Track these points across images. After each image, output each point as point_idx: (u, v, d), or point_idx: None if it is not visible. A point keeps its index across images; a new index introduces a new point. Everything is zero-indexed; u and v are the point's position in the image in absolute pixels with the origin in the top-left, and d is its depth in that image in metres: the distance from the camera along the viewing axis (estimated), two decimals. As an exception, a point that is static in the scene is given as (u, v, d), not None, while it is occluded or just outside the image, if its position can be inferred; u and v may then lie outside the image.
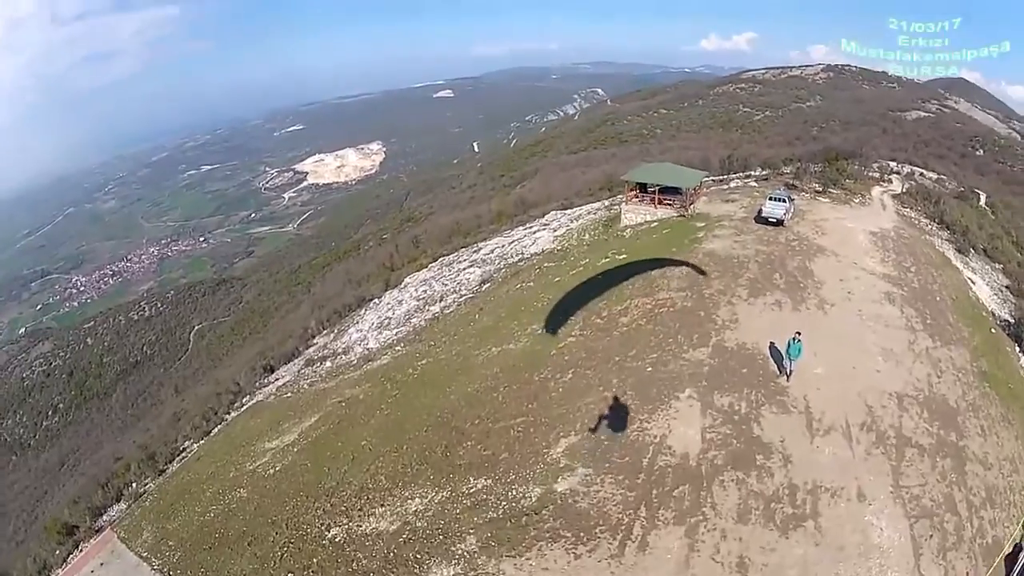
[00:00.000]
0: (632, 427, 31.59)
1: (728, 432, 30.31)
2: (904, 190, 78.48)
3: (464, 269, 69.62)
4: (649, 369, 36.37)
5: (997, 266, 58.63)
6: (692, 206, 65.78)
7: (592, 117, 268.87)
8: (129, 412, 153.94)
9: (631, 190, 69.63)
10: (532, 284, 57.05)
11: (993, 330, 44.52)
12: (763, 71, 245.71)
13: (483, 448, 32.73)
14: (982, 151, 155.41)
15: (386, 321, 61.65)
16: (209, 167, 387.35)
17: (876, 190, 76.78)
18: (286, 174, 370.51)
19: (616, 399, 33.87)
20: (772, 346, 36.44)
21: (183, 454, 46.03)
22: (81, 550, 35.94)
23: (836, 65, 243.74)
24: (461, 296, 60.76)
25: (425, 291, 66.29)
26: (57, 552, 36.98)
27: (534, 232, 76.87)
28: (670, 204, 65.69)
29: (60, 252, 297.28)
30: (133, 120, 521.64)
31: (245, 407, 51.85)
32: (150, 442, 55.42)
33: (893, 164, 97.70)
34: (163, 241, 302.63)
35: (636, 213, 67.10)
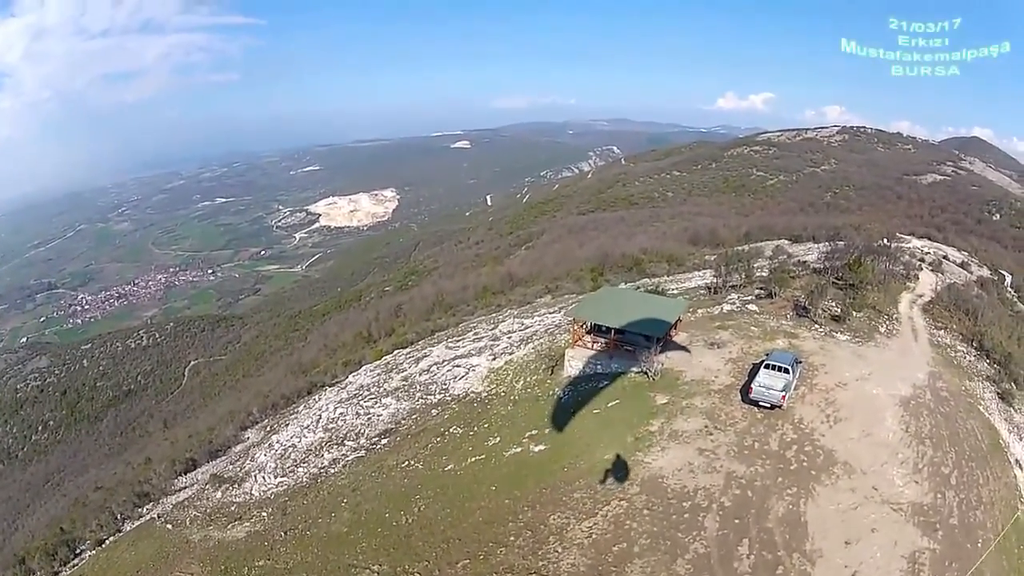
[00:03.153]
0: None
1: None
2: (935, 291, 64.77)
3: (382, 398, 57.93)
4: None
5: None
6: (658, 362, 46.43)
7: (604, 177, 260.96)
8: (117, 440, 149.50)
9: (578, 327, 52.64)
10: (418, 467, 43.73)
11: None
12: (779, 133, 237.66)
13: None
14: (998, 215, 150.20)
15: (286, 454, 52.97)
16: (223, 200, 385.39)
17: (904, 302, 60.57)
18: (299, 214, 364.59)
19: None
20: None
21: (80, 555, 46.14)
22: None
23: (851, 127, 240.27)
24: (356, 448, 50.25)
25: (337, 420, 56.29)
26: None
27: (477, 351, 63.01)
28: (631, 352, 47.90)
29: (68, 268, 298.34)
30: (152, 143, 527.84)
31: (127, 529, 48.32)
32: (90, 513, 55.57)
33: (915, 243, 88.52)
34: (171, 269, 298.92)
35: (583, 362, 49.75)
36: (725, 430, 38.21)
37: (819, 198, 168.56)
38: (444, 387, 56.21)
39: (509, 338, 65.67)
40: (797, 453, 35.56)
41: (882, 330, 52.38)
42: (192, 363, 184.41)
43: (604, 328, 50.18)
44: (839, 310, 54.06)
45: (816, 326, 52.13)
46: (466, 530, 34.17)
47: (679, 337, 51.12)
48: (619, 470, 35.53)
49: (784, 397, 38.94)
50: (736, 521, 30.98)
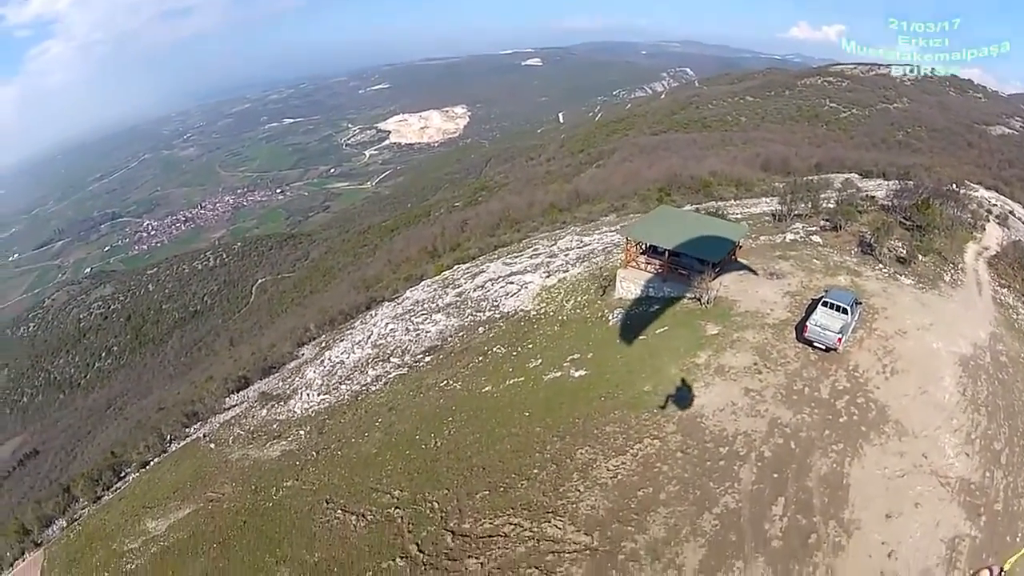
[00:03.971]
0: None
1: None
2: (1000, 246, 58.00)
3: (433, 313, 57.20)
4: None
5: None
6: (713, 288, 43.35)
7: (678, 98, 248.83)
8: (182, 360, 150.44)
9: (633, 247, 49.22)
10: (456, 387, 42.33)
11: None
12: (852, 66, 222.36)
13: None
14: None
15: (333, 370, 52.34)
16: (291, 120, 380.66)
17: (970, 252, 54.19)
18: (368, 132, 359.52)
19: None
20: None
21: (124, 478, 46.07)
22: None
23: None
24: (400, 365, 49.26)
25: (386, 336, 55.43)
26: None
27: (533, 268, 61.13)
28: (684, 276, 44.87)
29: (133, 196, 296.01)
30: (214, 75, 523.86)
31: (173, 450, 48.43)
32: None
33: (983, 192, 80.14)
34: (239, 190, 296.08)
35: (635, 283, 46.70)
36: (775, 370, 35.08)
37: (891, 136, 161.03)
38: (495, 304, 54.74)
39: (566, 256, 63.27)
40: (848, 405, 32.30)
41: (947, 279, 47.70)
42: (259, 281, 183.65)
43: (659, 249, 47.19)
44: (904, 252, 49.49)
45: (880, 266, 47.73)
46: (492, 458, 32.72)
47: (737, 264, 47.40)
48: (682, 398, 33.11)
49: (840, 340, 35.38)
50: (774, 475, 28.37)
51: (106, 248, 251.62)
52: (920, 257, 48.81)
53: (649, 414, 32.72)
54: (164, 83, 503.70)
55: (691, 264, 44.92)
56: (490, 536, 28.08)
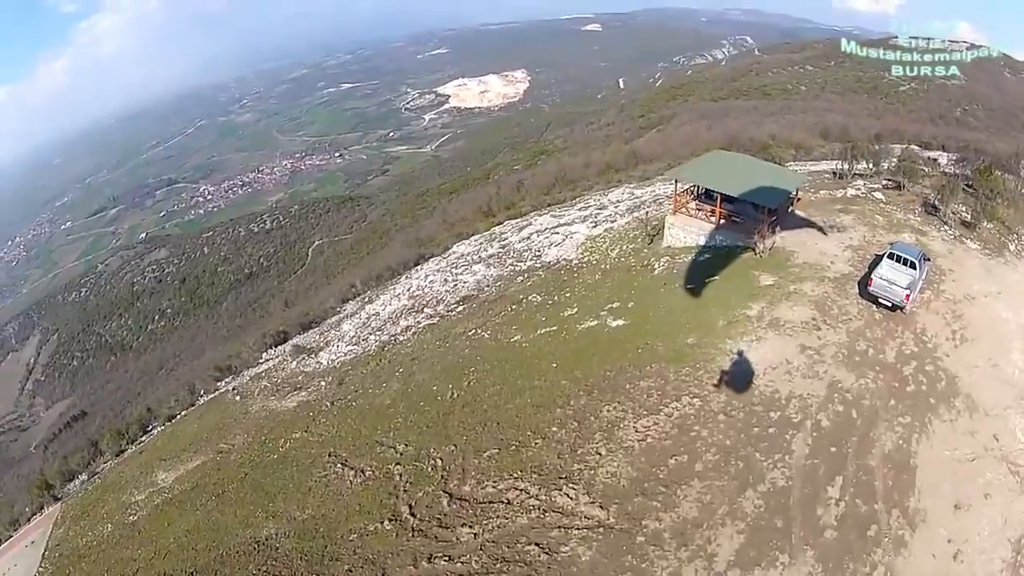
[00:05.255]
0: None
1: None
2: None
3: (473, 264, 54.82)
4: None
5: None
6: (772, 237, 39.09)
7: (738, 66, 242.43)
8: (236, 322, 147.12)
9: (684, 193, 44.75)
10: (484, 337, 38.97)
11: None
12: (910, 40, 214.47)
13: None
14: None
15: (368, 322, 50.84)
16: (349, 85, 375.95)
17: None
18: (427, 96, 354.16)
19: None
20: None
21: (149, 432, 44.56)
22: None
23: (980, 46, 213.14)
24: (432, 316, 46.86)
25: (424, 287, 53.71)
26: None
27: (581, 219, 57.97)
28: (738, 224, 40.45)
29: (189, 162, 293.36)
30: (270, 39, 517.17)
31: (200, 405, 46.17)
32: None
33: None
34: (297, 155, 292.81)
35: (685, 231, 42.36)
36: (836, 327, 30.72)
37: (949, 111, 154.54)
38: (537, 254, 51.88)
39: (616, 207, 59.82)
40: (916, 372, 28.00)
41: (1012, 248, 42.26)
42: (316, 243, 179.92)
43: (711, 195, 42.36)
44: (969, 216, 44.52)
45: (945, 227, 42.62)
46: (509, 413, 29.05)
47: (795, 218, 42.54)
48: (739, 377, 28.10)
49: (908, 297, 30.93)
50: (832, 449, 24.18)
51: (161, 214, 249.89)
52: (984, 223, 43.88)
53: (690, 369, 28.53)
54: (220, 50, 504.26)
55: (745, 211, 40.27)
56: (491, 502, 24.45)
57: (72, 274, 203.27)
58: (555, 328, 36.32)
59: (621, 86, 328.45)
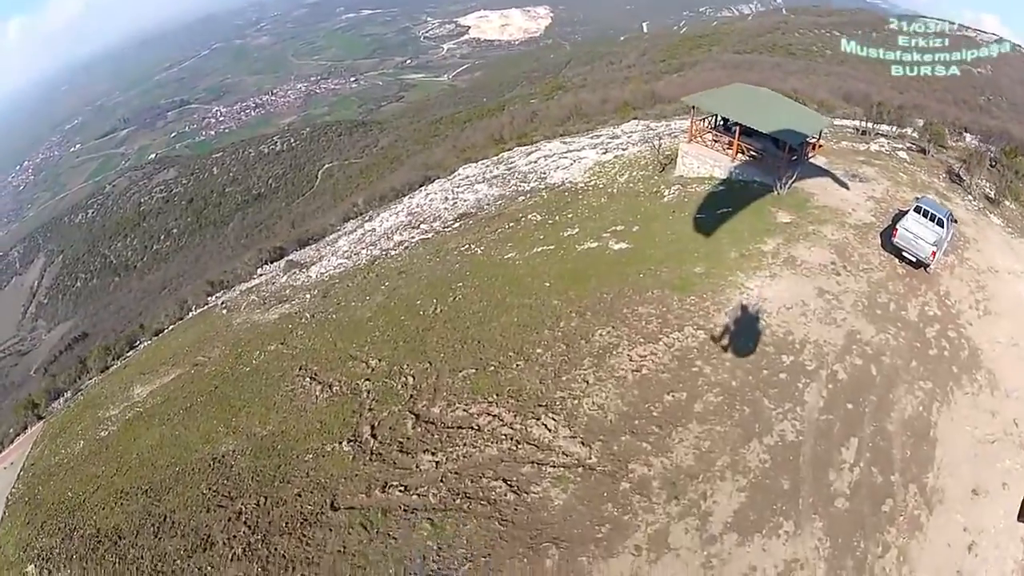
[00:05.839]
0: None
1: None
2: None
3: (476, 184, 53.64)
4: None
5: None
6: (791, 176, 35.70)
7: (764, 22, 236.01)
8: (242, 242, 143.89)
9: (700, 122, 41.91)
10: (476, 252, 37.22)
11: None
12: (937, 20, 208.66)
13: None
14: None
15: (363, 238, 50.60)
16: (369, 11, 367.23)
17: None
18: (448, 26, 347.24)
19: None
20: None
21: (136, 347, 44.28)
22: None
23: (1005, 40, 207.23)
24: (428, 231, 45.98)
25: (424, 205, 53.05)
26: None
27: (591, 146, 55.65)
28: (757, 159, 37.63)
29: (202, 84, 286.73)
30: None
31: (188, 319, 46.40)
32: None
33: None
34: (312, 78, 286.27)
35: (700, 161, 39.41)
36: (856, 275, 28.19)
37: (972, 97, 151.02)
38: (542, 176, 49.93)
39: (629, 137, 57.46)
40: (939, 336, 25.62)
41: None
42: (326, 166, 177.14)
43: (729, 126, 39.50)
44: (993, 193, 42.07)
45: (970, 197, 40.06)
46: (492, 331, 26.85)
47: (813, 167, 39.27)
48: (745, 336, 24.99)
49: (934, 255, 28.43)
50: (848, 406, 21.76)
51: (172, 135, 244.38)
52: (1008, 202, 41.77)
53: (696, 299, 26.13)
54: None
55: (766, 146, 37.43)
56: (459, 427, 22.17)
57: (79, 196, 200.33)
58: (552, 247, 34.11)
59: (644, 30, 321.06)
